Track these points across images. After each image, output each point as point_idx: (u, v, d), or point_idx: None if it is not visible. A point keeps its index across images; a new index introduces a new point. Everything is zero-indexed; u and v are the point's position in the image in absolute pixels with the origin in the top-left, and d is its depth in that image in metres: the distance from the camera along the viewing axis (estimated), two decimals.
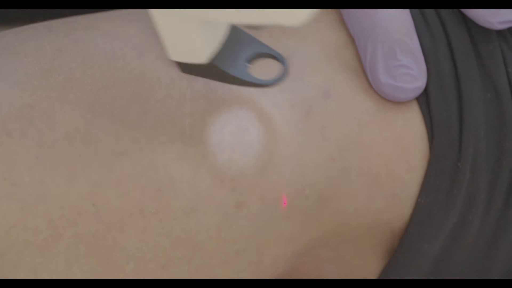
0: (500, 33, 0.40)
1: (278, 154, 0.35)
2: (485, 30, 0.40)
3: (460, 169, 0.38)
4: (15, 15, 0.38)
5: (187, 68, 0.34)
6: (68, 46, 0.35)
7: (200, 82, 0.35)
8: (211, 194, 0.34)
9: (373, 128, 0.38)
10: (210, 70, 0.34)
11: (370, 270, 0.41)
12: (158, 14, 0.31)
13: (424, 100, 0.38)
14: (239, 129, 0.35)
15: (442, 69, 0.39)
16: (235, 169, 0.35)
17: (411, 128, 0.38)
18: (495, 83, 0.39)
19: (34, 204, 0.32)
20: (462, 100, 0.38)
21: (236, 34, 0.35)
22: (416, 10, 0.40)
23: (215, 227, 0.35)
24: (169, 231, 0.34)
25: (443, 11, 0.40)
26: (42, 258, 0.32)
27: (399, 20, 0.38)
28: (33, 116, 0.32)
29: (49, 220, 0.32)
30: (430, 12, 0.40)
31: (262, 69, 0.35)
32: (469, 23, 0.40)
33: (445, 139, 0.38)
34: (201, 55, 0.33)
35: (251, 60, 0.35)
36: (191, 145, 0.34)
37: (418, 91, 0.38)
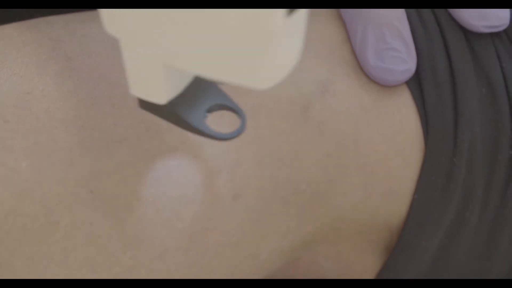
0: None
1: (276, 147, 0.36)
2: None
3: (456, 165, 0.38)
4: (13, 16, 0.38)
5: (146, 105, 0.33)
6: (66, 36, 0.35)
7: None
8: (208, 184, 0.34)
9: (370, 125, 0.38)
10: (167, 113, 0.33)
11: (367, 267, 0.41)
12: (126, 49, 0.30)
13: (419, 95, 0.39)
14: (236, 120, 0.35)
15: (437, 64, 0.39)
16: (232, 160, 0.35)
17: (407, 124, 0.38)
18: (489, 78, 0.39)
19: (31, 190, 0.31)
20: (457, 95, 0.39)
21: (200, 82, 0.33)
22: None
23: (212, 218, 0.34)
24: (166, 221, 0.34)
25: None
26: (39, 246, 0.32)
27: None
28: (31, 103, 0.32)
29: (46, 207, 0.32)
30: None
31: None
32: None
33: (440, 134, 0.38)
34: (161, 96, 0.32)
35: (211, 109, 0.34)
36: (188, 134, 0.34)
37: (407, 74, 0.38)
